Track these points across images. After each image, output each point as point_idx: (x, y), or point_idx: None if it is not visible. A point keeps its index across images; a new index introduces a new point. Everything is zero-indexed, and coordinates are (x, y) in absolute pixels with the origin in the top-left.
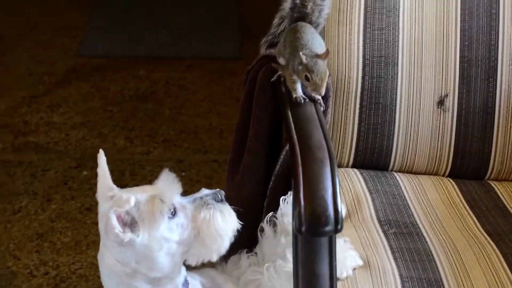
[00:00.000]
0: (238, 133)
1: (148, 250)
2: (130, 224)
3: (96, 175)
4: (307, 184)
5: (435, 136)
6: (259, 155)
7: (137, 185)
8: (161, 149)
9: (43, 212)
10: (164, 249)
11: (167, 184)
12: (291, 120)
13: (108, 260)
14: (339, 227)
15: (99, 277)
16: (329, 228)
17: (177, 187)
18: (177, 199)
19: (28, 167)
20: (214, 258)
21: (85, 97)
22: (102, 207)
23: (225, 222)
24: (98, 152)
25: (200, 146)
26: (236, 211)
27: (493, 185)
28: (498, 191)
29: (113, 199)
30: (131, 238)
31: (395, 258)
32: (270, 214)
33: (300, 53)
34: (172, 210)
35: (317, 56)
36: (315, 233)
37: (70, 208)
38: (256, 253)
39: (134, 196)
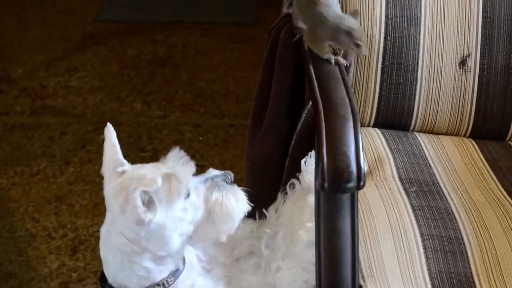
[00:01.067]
0: (259, 91)
1: (163, 229)
2: (148, 203)
3: None
4: (330, 140)
5: (456, 96)
6: (281, 114)
7: (154, 148)
8: (178, 113)
9: (61, 175)
10: (178, 229)
11: (181, 164)
12: (314, 77)
13: (117, 238)
14: (361, 183)
15: None
16: (352, 184)
17: (191, 167)
18: (191, 180)
19: (46, 130)
20: (223, 238)
21: (103, 61)
22: (112, 183)
23: (238, 204)
24: (115, 116)
25: (216, 111)
26: (246, 192)
27: None
28: None
29: (130, 176)
30: (150, 217)
31: (416, 216)
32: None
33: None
34: (187, 192)
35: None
36: (338, 189)
37: (88, 171)
38: (258, 218)
39: (160, 176)
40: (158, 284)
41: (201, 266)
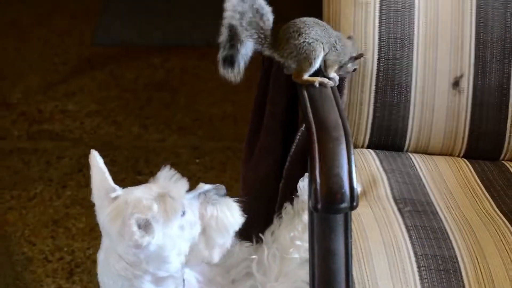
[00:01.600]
0: (255, 113)
1: (162, 250)
2: (145, 226)
3: (110, 162)
4: (323, 162)
5: (450, 117)
6: (276, 135)
7: (152, 172)
8: (176, 137)
9: (58, 199)
10: (176, 248)
11: (173, 182)
12: (307, 99)
13: (116, 263)
14: (354, 204)
15: None
16: (345, 205)
17: (184, 184)
18: (185, 196)
19: (43, 155)
20: (216, 258)
21: (100, 85)
22: (106, 209)
23: (233, 216)
24: (112, 140)
25: (214, 134)
26: (239, 202)
27: (508, 165)
28: None
29: (124, 201)
30: (148, 241)
31: (410, 236)
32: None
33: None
34: (183, 209)
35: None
36: (331, 210)
37: (85, 194)
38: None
39: (156, 203)
40: None
41: (199, 287)
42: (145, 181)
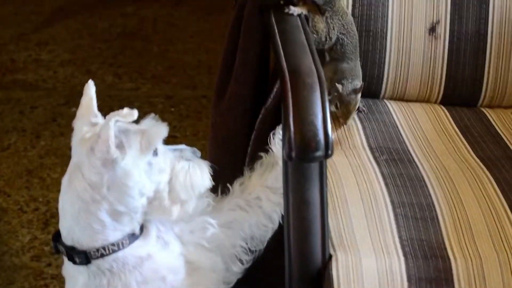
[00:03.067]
0: (224, 61)
1: (126, 178)
2: (117, 146)
3: None
4: (296, 109)
5: (426, 63)
6: (246, 85)
7: None
8: (150, 85)
9: (32, 149)
10: (140, 183)
11: (155, 124)
12: (280, 45)
13: (79, 183)
14: (329, 152)
15: None
16: (319, 153)
17: (164, 129)
18: (161, 143)
19: (16, 105)
20: (174, 214)
21: (73, 34)
22: (82, 130)
23: (202, 177)
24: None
25: (188, 82)
26: (211, 168)
27: (485, 111)
28: (490, 118)
29: (98, 125)
30: (117, 157)
31: (386, 184)
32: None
33: (337, 84)
34: (155, 150)
35: (354, 91)
36: (305, 159)
37: (59, 144)
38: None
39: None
40: (112, 244)
41: (158, 238)
42: None
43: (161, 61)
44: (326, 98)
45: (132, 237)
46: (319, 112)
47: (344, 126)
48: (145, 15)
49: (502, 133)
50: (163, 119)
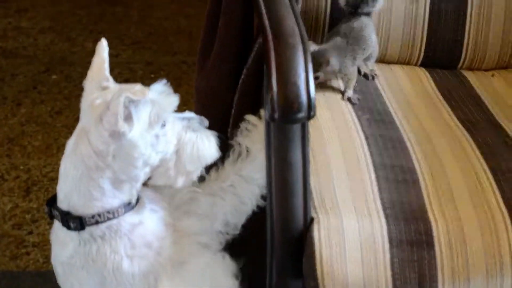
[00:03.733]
0: (208, 20)
1: (132, 149)
2: (126, 118)
3: (65, 78)
4: (279, 70)
5: (407, 24)
6: (230, 44)
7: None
8: (130, 52)
9: (13, 117)
10: (146, 155)
11: (165, 94)
12: (262, 6)
13: (85, 148)
14: (312, 113)
15: None
16: (302, 114)
17: (175, 100)
18: (171, 111)
19: None
20: (180, 182)
21: (53, 1)
22: (93, 94)
23: (209, 148)
24: (67, 56)
25: (169, 48)
26: (219, 137)
27: (465, 74)
28: (471, 80)
29: (114, 89)
30: (125, 130)
31: (368, 145)
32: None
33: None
34: (164, 121)
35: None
36: (288, 120)
37: (40, 112)
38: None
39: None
40: (108, 212)
41: (150, 207)
42: None
43: (141, 27)
44: (309, 58)
45: (128, 206)
46: (302, 72)
47: (327, 83)
48: None
49: (482, 95)
50: (144, 85)
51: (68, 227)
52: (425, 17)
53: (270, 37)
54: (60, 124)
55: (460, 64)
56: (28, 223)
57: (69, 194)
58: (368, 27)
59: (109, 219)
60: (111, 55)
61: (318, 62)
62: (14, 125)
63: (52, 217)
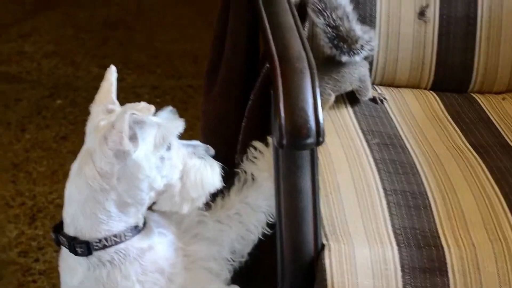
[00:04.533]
0: (214, 44)
1: (137, 170)
2: (131, 137)
3: (70, 103)
4: (287, 95)
5: (416, 48)
6: (237, 68)
7: None
8: (135, 76)
9: (17, 142)
10: (151, 177)
11: (171, 119)
12: (269, 31)
13: (89, 171)
14: (320, 139)
15: None
16: (311, 140)
17: (180, 124)
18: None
19: (0, 98)
20: (185, 209)
21: (56, 25)
22: (98, 117)
23: (212, 176)
24: (71, 81)
25: (174, 72)
26: (222, 168)
27: (476, 97)
28: (481, 103)
29: (116, 112)
30: (130, 149)
31: (378, 170)
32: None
33: None
34: (169, 145)
35: None
36: (297, 146)
37: (45, 137)
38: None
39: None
40: (115, 236)
41: (158, 231)
42: None
43: (145, 50)
44: (317, 83)
45: (135, 229)
46: (310, 98)
47: (335, 107)
48: (127, 4)
49: (494, 118)
50: None
51: (76, 253)
52: (434, 40)
53: (277, 62)
54: (65, 149)
55: (470, 88)
56: (34, 251)
57: (75, 218)
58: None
59: (116, 243)
60: (116, 80)
61: None
62: (19, 150)
63: (59, 244)
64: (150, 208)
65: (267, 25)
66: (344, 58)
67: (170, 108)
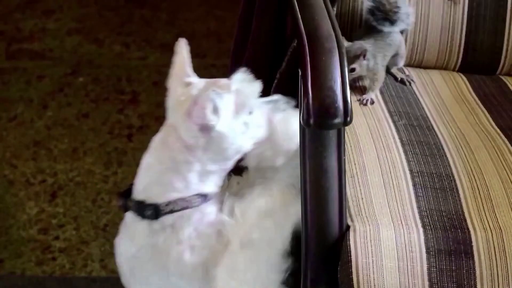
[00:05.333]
0: (241, 23)
1: (222, 139)
2: (213, 111)
3: (92, 81)
4: (315, 74)
5: (445, 29)
6: (263, 49)
7: (134, 90)
8: (158, 54)
9: (39, 120)
10: (237, 143)
11: (247, 82)
12: (297, 10)
13: (174, 144)
14: (348, 119)
15: (96, 183)
16: (338, 120)
17: (257, 86)
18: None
19: (23, 74)
20: (279, 161)
21: (80, 2)
22: (177, 92)
23: (298, 125)
24: (94, 58)
25: (198, 51)
26: None
27: (504, 80)
28: (510, 86)
29: (199, 84)
30: (214, 123)
31: (405, 151)
32: None
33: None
34: (250, 109)
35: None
36: (324, 126)
37: (67, 114)
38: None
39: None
40: (184, 201)
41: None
42: (127, 100)
43: (169, 29)
44: (346, 63)
45: (205, 197)
46: (338, 77)
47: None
48: None
49: None
50: None
51: (143, 217)
52: (463, 22)
53: (305, 41)
54: (86, 127)
55: (499, 70)
56: (54, 228)
57: (149, 186)
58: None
59: (183, 208)
60: (139, 58)
61: (355, 54)
62: (40, 128)
63: (126, 209)
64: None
65: (296, 4)
66: (386, 28)
67: (243, 69)
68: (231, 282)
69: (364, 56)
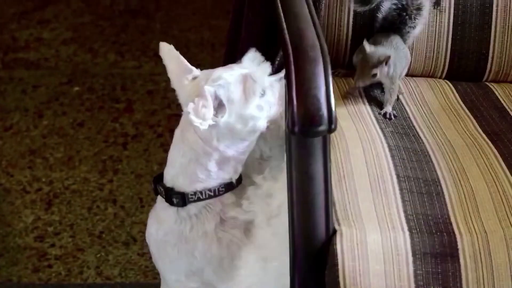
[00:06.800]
0: (229, 37)
1: (231, 129)
2: (216, 107)
3: (87, 90)
4: (299, 83)
5: (431, 37)
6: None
7: (129, 99)
8: (153, 63)
9: (34, 128)
10: (249, 126)
11: (256, 63)
12: (283, 19)
13: (191, 137)
14: (333, 126)
15: (91, 191)
16: (323, 127)
17: (267, 66)
18: (266, 78)
19: (18, 84)
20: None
21: (75, 12)
22: (186, 88)
23: None
24: (89, 68)
25: (192, 60)
26: None
27: (491, 86)
28: (496, 92)
29: (204, 78)
30: (217, 120)
31: (392, 156)
32: None
33: None
34: (262, 92)
35: None
36: (309, 133)
37: (62, 123)
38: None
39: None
40: (209, 190)
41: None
42: (122, 109)
43: (164, 38)
44: (330, 71)
45: (229, 185)
46: (322, 85)
47: (349, 95)
48: None
49: (508, 107)
50: (166, 97)
51: (171, 203)
52: (449, 30)
53: (290, 50)
54: (82, 136)
55: (485, 77)
56: (50, 236)
57: (175, 177)
58: (402, 43)
59: (210, 197)
60: (134, 67)
61: (378, 59)
62: (36, 137)
63: (157, 193)
64: None
65: (281, 13)
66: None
67: (253, 50)
68: (259, 262)
69: (386, 63)
